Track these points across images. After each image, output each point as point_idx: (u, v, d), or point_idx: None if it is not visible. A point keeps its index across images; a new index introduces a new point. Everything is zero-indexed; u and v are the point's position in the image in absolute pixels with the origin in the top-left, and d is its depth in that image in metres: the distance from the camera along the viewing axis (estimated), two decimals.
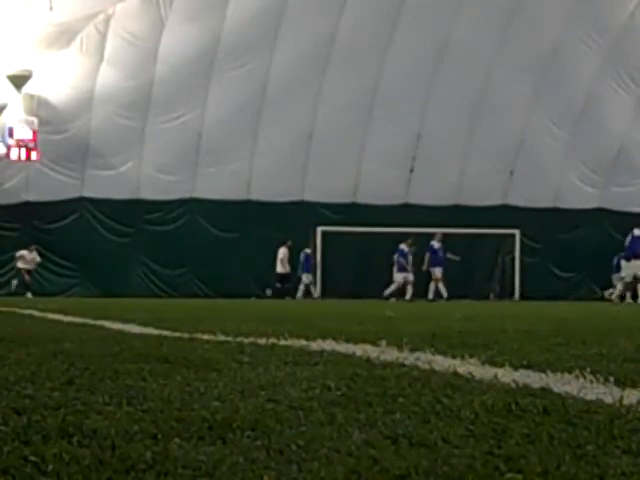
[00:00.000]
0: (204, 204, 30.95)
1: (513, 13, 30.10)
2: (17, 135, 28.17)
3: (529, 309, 18.06)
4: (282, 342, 5.51)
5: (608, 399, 2.91)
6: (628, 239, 26.83)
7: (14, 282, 29.76)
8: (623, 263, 27.19)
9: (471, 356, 4.41)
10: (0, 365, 3.97)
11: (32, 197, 29.93)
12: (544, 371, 3.75)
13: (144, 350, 4.80)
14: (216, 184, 30.51)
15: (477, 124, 31.39)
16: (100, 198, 30.43)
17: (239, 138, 30.37)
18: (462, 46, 29.85)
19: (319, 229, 31.72)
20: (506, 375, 3.58)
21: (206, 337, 6.04)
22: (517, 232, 32.64)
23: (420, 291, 29.37)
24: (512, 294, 32.67)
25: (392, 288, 29.81)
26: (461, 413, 2.62)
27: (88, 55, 28.50)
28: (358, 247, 31.61)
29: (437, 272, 29.61)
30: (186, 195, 31.05)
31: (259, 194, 31.26)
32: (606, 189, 33.33)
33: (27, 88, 28.41)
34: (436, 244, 29.81)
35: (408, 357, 4.44)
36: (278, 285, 31.07)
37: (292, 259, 31.21)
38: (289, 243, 30.83)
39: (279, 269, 31.08)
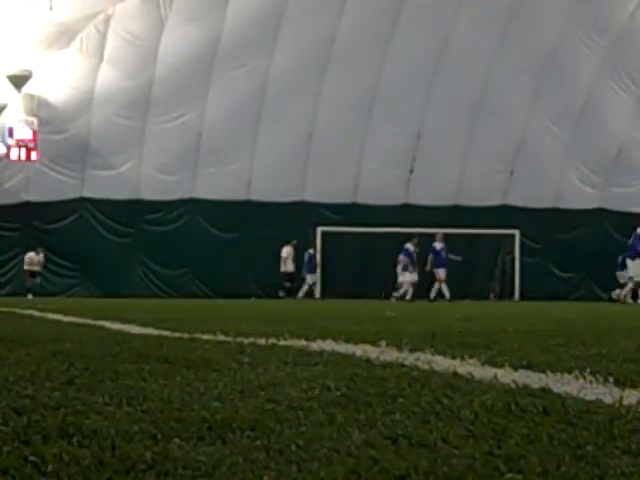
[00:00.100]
0: (204, 204, 30.95)
1: (513, 13, 30.09)
2: (17, 135, 28.16)
3: (529, 309, 18.06)
4: (282, 342, 5.51)
5: (608, 399, 2.91)
6: (632, 238, 26.90)
7: (33, 282, 29.67)
8: (629, 262, 27.22)
9: (471, 356, 4.41)
10: (0, 365, 3.97)
11: (32, 197, 29.93)
12: (544, 371, 3.75)
13: (144, 350, 4.79)
14: (216, 184, 30.51)
15: (477, 124, 31.39)
16: (100, 198, 30.42)
17: (239, 138, 30.36)
18: (462, 46, 29.84)
19: (319, 229, 31.72)
20: (506, 375, 3.58)
21: (206, 337, 6.04)
22: (517, 232, 32.64)
23: (421, 292, 29.35)
24: (512, 294, 32.67)
25: (403, 290, 29.72)
26: (461, 413, 2.62)
27: (88, 55, 28.50)
28: (358, 247, 31.61)
29: (440, 273, 29.57)
30: (186, 195, 31.05)
31: (259, 194, 31.25)
32: (606, 189, 33.32)
33: (27, 88, 28.40)
34: (438, 245, 29.78)
35: (408, 357, 4.44)
36: (287, 284, 31.01)
37: (297, 259, 31.23)
38: (294, 242, 30.85)
39: (283, 268, 31.06)
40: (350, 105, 30.16)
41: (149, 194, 30.62)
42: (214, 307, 17.29)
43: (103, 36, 28.43)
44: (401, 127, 30.86)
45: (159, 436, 2.24)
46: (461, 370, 3.77)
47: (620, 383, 3.34)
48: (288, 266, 31.09)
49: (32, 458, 1.96)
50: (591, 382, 3.38)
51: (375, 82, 30.43)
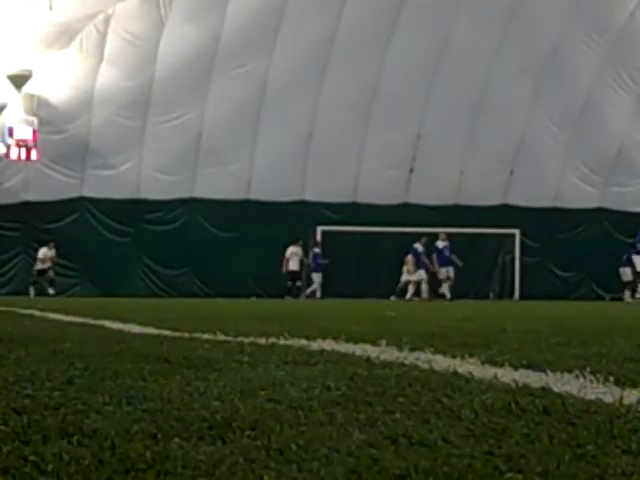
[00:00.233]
0: (204, 204, 30.95)
1: (513, 13, 30.09)
2: (17, 135, 28.16)
3: (529, 309, 18.05)
4: (282, 342, 5.51)
5: (608, 399, 2.91)
6: (638, 236, 27.18)
7: (49, 288, 29.63)
8: (635, 258, 27.39)
9: (471, 356, 4.41)
10: (0, 365, 3.97)
11: (32, 197, 29.92)
12: (544, 371, 3.75)
13: (144, 350, 4.79)
14: (216, 184, 30.51)
15: (477, 124, 31.38)
16: (100, 198, 30.42)
17: (239, 138, 30.36)
18: (462, 46, 29.84)
19: (319, 229, 31.71)
20: (506, 375, 3.58)
21: (206, 337, 6.04)
22: (517, 232, 32.64)
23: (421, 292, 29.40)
24: (512, 294, 32.67)
25: (423, 288, 29.79)
26: (461, 413, 2.62)
27: (88, 55, 28.49)
28: (358, 247, 31.61)
29: (445, 272, 29.58)
30: (186, 195, 31.05)
31: (259, 194, 31.25)
32: (606, 189, 33.32)
33: (27, 88, 28.40)
34: (441, 244, 29.80)
35: (408, 357, 4.44)
36: (290, 283, 30.93)
37: (304, 258, 31.21)
38: (301, 242, 30.84)
39: (285, 268, 30.94)
40: (350, 105, 30.16)
41: (149, 194, 30.61)
42: (214, 307, 17.28)
43: (103, 36, 28.43)
44: (401, 127, 30.86)
45: (159, 435, 2.24)
46: (461, 369, 3.77)
47: (620, 382, 3.34)
48: (291, 266, 31.00)
49: (32, 458, 1.96)
50: (591, 381, 3.38)
51: (375, 82, 30.43)
